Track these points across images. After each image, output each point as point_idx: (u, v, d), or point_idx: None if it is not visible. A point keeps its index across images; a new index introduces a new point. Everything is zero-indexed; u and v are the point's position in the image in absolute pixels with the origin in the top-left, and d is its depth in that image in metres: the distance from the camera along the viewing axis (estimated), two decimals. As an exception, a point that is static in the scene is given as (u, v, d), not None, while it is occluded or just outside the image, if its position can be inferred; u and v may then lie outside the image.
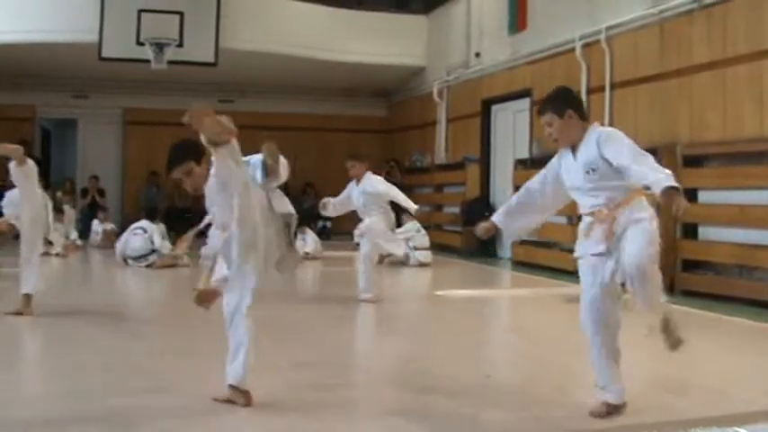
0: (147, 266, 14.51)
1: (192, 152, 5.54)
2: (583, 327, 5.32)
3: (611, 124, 13.82)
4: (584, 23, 14.60)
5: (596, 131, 5.42)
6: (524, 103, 16.54)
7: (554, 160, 5.63)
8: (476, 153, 18.61)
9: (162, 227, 15.75)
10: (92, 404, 5.51)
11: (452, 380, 6.29)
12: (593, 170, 5.30)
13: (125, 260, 14.98)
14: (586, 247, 5.37)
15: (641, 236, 5.25)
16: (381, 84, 23.44)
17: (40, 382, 6.46)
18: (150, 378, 6.25)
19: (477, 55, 18.79)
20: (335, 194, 11.07)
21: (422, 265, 15.61)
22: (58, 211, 18.16)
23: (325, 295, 12.20)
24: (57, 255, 15.61)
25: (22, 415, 5.28)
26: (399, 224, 15.38)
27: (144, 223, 15.44)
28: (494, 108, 18.24)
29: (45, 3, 18.59)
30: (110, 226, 19.46)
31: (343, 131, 23.71)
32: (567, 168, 5.51)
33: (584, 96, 14.42)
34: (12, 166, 9.13)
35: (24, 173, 9.18)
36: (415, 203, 11.47)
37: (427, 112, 21.38)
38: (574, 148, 5.46)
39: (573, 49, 14.84)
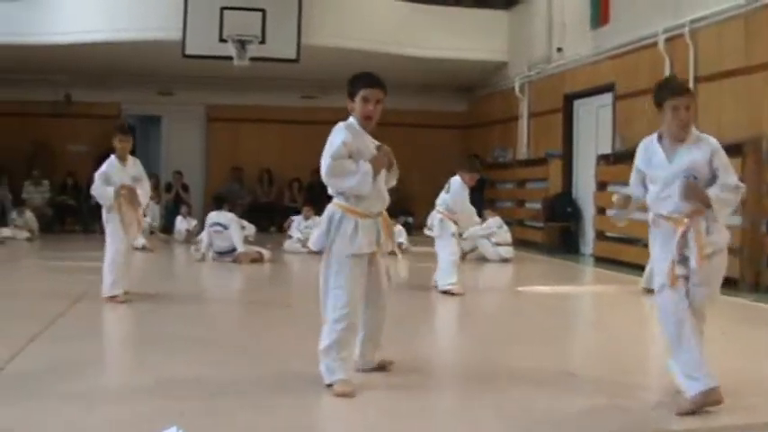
0: (233, 261, 14.60)
1: None
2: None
3: (695, 120, 13.64)
4: (667, 17, 14.40)
5: (708, 139, 5.46)
6: (607, 98, 16.38)
7: (639, 163, 5.60)
8: (558, 148, 18.48)
9: (242, 221, 15.83)
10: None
11: (533, 374, 6.27)
12: (695, 177, 5.28)
13: (203, 255, 15.14)
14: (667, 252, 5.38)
15: (722, 269, 5.48)
16: (462, 79, 23.35)
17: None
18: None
19: (560, 50, 18.64)
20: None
21: (503, 260, 15.55)
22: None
23: (408, 288, 12.21)
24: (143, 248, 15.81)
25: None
26: (482, 219, 15.37)
27: (220, 218, 15.42)
28: (576, 103, 18.08)
29: (130, 2, 18.85)
30: (193, 223, 19.66)
31: (423, 127, 23.71)
32: (656, 166, 5.47)
33: (667, 91, 14.27)
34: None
35: None
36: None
37: (509, 107, 21.27)
38: (671, 147, 5.46)
39: (656, 43, 14.64)
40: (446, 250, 11.10)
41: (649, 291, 10.97)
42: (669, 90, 5.58)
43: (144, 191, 9.95)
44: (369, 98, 5.75)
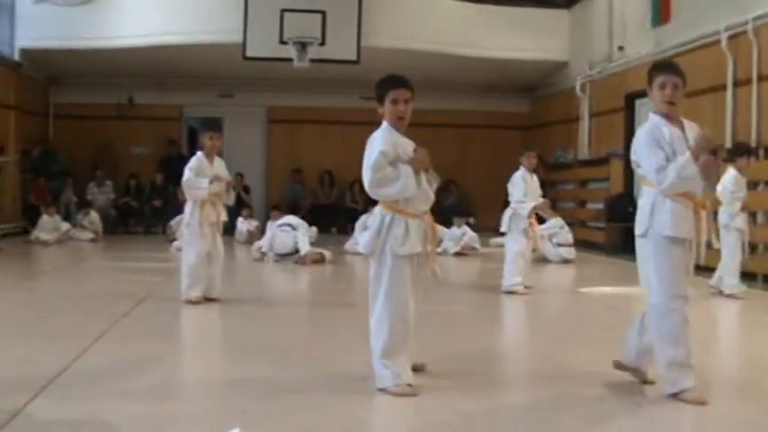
0: (295, 262, 14.66)
1: None
2: None
3: (759, 118, 13.53)
4: (730, 14, 14.25)
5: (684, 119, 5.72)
6: (669, 97, 16.22)
7: (661, 138, 5.62)
8: (619, 148, 18.35)
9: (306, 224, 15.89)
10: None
11: (594, 376, 6.22)
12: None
13: (263, 254, 15.23)
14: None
15: None
16: (523, 79, 23.27)
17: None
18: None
19: (621, 48, 18.53)
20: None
21: (565, 261, 15.48)
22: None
23: (473, 289, 12.19)
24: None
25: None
26: (542, 220, 15.30)
27: (291, 219, 15.63)
28: (638, 103, 17.93)
29: (191, 5, 19.03)
30: (254, 224, 19.79)
31: (484, 127, 23.64)
32: (675, 145, 5.59)
33: (730, 89, 14.13)
34: None
35: None
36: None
37: (570, 107, 21.16)
38: (679, 125, 5.66)
39: (718, 41, 14.51)
40: (513, 247, 11.08)
41: (720, 292, 10.97)
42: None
43: (229, 192, 10.01)
44: (398, 99, 5.76)
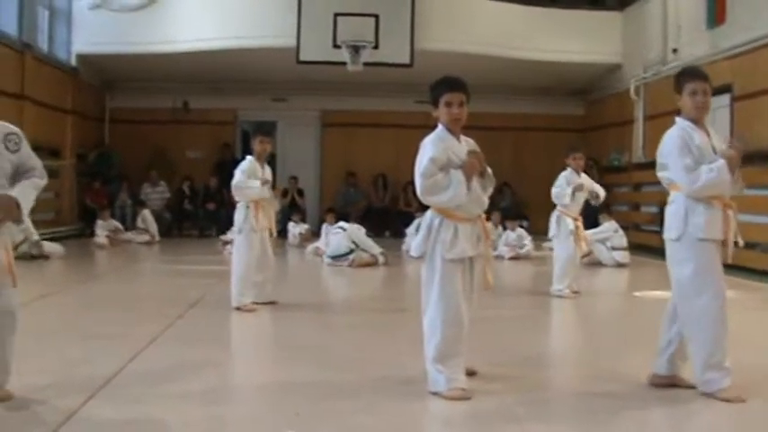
0: (348, 265, 14.70)
1: None
2: None
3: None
4: (787, 14, 14.11)
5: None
6: (724, 100, 16.01)
7: (690, 142, 5.76)
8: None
9: (358, 226, 15.91)
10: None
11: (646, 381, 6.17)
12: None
13: (315, 251, 15.31)
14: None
15: None
16: (577, 82, 23.13)
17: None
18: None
19: (675, 51, 18.36)
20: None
21: (619, 265, 15.35)
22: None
23: (525, 293, 12.14)
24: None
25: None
26: (596, 224, 15.21)
27: (344, 223, 15.74)
28: (693, 105, 17.74)
29: (245, 10, 19.14)
30: (305, 228, 19.88)
31: (539, 130, 23.51)
32: (703, 150, 5.76)
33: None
34: None
35: None
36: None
37: (624, 109, 20.98)
38: (706, 131, 5.86)
39: (775, 42, 14.37)
40: (561, 251, 11.04)
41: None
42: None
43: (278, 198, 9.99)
44: (452, 102, 5.75)
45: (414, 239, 6.05)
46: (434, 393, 5.60)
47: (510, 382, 6.14)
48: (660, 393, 5.82)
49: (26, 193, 5.02)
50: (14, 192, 4.97)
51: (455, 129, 5.80)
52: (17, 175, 5.10)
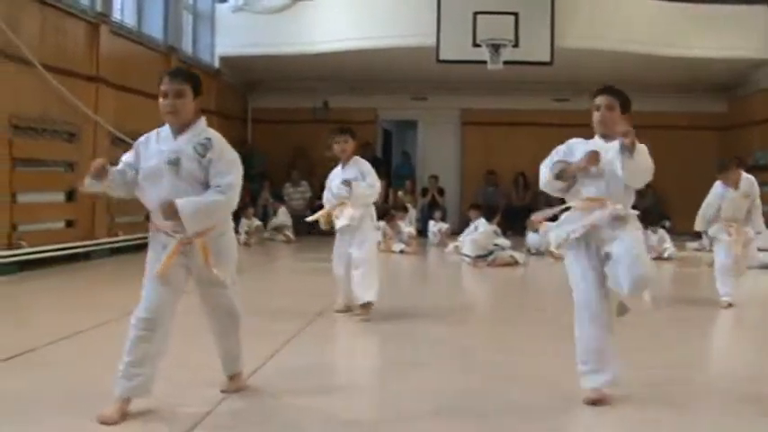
0: (488, 265, 14.68)
1: None
2: None
3: None
4: None
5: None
6: None
7: None
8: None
9: (494, 227, 15.85)
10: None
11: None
12: None
13: (458, 255, 15.34)
14: None
15: None
16: (719, 78, 22.56)
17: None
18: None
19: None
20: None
21: (765, 267, 14.93)
22: (402, 209, 18.81)
23: (669, 296, 11.89)
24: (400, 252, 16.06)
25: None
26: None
27: (480, 223, 15.72)
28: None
29: (385, 10, 19.25)
30: (445, 226, 19.91)
31: (680, 129, 23.01)
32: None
33: None
34: None
35: None
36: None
37: (769, 106, 20.48)
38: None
39: None
40: (717, 257, 10.58)
41: None
42: None
43: (359, 192, 9.46)
44: (599, 105, 5.76)
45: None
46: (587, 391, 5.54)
47: (656, 387, 6.06)
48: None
49: (193, 203, 5.08)
50: (180, 199, 5.05)
51: (599, 131, 5.79)
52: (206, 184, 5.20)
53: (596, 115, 5.75)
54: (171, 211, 5.02)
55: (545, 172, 5.74)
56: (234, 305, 5.57)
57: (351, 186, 9.38)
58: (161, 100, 5.16)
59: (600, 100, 5.75)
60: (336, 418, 5.14)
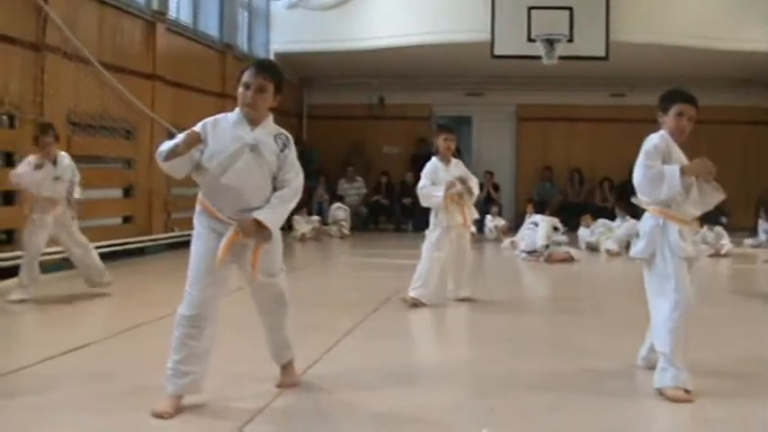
0: (544, 260, 14.63)
1: None
2: None
3: None
4: None
5: None
6: None
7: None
8: None
9: (554, 220, 15.78)
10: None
11: None
12: None
13: (514, 251, 15.36)
14: None
15: None
16: (777, 72, 22.31)
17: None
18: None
19: None
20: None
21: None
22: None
23: (728, 292, 11.74)
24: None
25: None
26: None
27: (537, 217, 15.70)
28: None
29: (439, 5, 19.25)
30: (501, 222, 19.88)
31: (738, 123, 22.76)
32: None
33: None
34: None
35: None
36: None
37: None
38: None
39: None
40: None
41: None
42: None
43: (476, 192, 9.80)
44: (683, 113, 5.72)
45: (635, 242, 5.99)
46: (659, 390, 5.50)
47: (736, 380, 6.02)
48: None
49: (274, 213, 5.15)
50: (261, 213, 5.09)
51: (679, 139, 5.75)
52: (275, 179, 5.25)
53: (679, 123, 5.72)
54: (254, 230, 5.08)
55: (663, 176, 5.61)
56: (283, 293, 5.56)
57: (465, 185, 9.57)
58: (240, 89, 5.15)
59: (687, 109, 5.74)
60: (392, 415, 5.13)
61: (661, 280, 5.63)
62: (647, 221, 5.78)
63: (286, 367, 5.71)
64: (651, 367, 5.83)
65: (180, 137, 5.02)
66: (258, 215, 5.06)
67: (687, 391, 5.43)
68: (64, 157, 9.80)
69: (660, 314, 5.61)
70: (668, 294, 5.57)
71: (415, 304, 9.33)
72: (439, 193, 9.47)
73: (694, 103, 5.78)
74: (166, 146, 5.06)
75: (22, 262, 9.68)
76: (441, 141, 9.73)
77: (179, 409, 4.98)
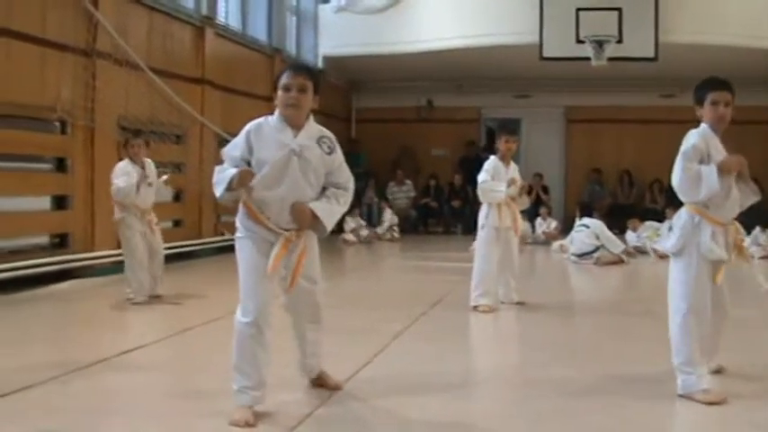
0: (594, 263, 14.58)
1: None
2: None
3: None
4: None
5: None
6: None
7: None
8: None
9: (601, 226, 15.70)
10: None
11: None
12: None
13: (563, 254, 15.34)
14: None
15: None
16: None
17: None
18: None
19: None
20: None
21: None
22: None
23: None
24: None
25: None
26: None
27: (587, 220, 15.62)
28: None
29: (487, 8, 19.23)
30: (553, 224, 19.81)
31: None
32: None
33: None
34: None
35: None
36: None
37: None
38: None
39: None
40: None
41: None
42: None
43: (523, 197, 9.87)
44: (718, 101, 5.64)
45: (666, 238, 5.97)
46: (683, 396, 5.47)
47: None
48: None
49: (327, 206, 5.18)
50: (317, 205, 5.13)
51: (719, 128, 5.68)
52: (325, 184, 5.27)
53: (715, 111, 5.66)
54: (306, 216, 5.09)
55: (700, 177, 5.54)
56: (319, 302, 5.59)
57: (518, 186, 9.66)
58: (281, 93, 5.13)
59: (721, 96, 5.66)
60: (439, 422, 5.12)
61: (681, 280, 5.61)
62: (681, 216, 5.72)
63: (320, 375, 5.71)
64: (716, 371, 5.86)
65: (233, 172, 4.99)
66: (315, 207, 5.09)
67: (716, 392, 5.42)
68: (150, 163, 9.93)
69: (674, 318, 5.61)
70: (681, 298, 5.56)
71: (486, 311, 9.35)
72: (501, 188, 9.45)
73: (728, 88, 5.70)
74: (220, 182, 5.06)
75: (126, 266, 9.86)
76: (502, 143, 9.69)
77: (256, 418, 4.92)
